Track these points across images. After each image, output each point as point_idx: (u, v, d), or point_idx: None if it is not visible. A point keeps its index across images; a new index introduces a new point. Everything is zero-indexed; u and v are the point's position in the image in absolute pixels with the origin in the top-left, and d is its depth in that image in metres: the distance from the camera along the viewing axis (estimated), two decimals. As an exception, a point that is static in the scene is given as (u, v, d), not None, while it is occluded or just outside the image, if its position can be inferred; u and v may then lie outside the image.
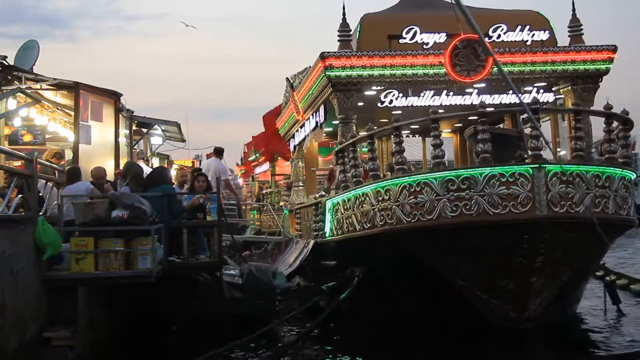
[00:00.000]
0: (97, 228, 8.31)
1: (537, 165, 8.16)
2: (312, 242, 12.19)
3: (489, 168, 8.29)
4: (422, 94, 11.90)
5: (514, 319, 8.75)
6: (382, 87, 11.89)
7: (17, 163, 10.56)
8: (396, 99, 11.82)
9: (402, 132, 9.52)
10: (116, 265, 8.21)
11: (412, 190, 8.72)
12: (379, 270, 9.86)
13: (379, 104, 11.91)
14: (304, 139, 16.02)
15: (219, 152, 15.08)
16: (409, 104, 11.87)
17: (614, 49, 12.05)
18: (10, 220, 7.48)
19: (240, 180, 40.04)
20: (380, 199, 9.20)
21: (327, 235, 11.36)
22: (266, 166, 29.44)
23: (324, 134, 17.18)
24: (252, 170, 33.80)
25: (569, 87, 12.27)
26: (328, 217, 11.23)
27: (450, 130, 17.87)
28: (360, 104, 12.16)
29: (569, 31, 12.54)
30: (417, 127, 17.21)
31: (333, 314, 9.87)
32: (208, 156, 37.75)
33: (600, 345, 9.38)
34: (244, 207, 29.31)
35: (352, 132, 11.36)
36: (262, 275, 10.79)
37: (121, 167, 11.59)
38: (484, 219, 8.28)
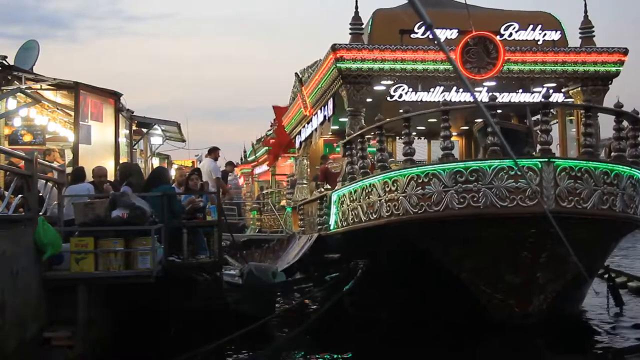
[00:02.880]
0: (97, 228, 8.29)
1: (547, 159, 8.15)
2: (315, 235, 12.19)
3: (498, 161, 8.28)
4: (431, 90, 11.91)
5: (517, 314, 8.74)
6: (392, 82, 11.89)
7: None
8: (406, 93, 11.82)
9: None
10: (116, 265, 8.15)
11: (420, 181, 8.72)
12: (382, 263, 9.85)
13: (388, 98, 11.92)
14: (310, 135, 16.05)
15: (210, 152, 15.41)
16: (419, 99, 11.87)
17: (625, 51, 12.05)
18: (10, 220, 7.41)
19: (241, 180, 40.04)
20: (387, 189, 9.20)
21: (331, 227, 11.36)
22: (266, 166, 29.49)
23: (330, 132, 17.23)
24: (252, 171, 33.83)
25: (579, 89, 12.27)
26: (333, 209, 11.23)
27: (456, 134, 17.88)
28: (369, 100, 12.17)
29: (580, 33, 12.54)
30: (424, 128, 17.23)
31: (335, 306, 9.88)
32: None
33: (603, 342, 9.39)
34: (243, 207, 29.34)
35: (361, 124, 11.38)
36: (262, 275, 10.79)
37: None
38: (491, 211, 8.27)
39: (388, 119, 9.64)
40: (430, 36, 11.66)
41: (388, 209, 9.20)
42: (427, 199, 8.66)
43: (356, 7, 11.82)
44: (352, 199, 10.33)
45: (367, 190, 9.76)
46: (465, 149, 18.01)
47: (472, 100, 11.86)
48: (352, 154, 10.59)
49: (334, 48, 11.41)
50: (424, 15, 3.46)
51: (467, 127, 16.59)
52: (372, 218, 9.58)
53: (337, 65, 11.50)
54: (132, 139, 15.33)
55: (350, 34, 11.82)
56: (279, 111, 22.07)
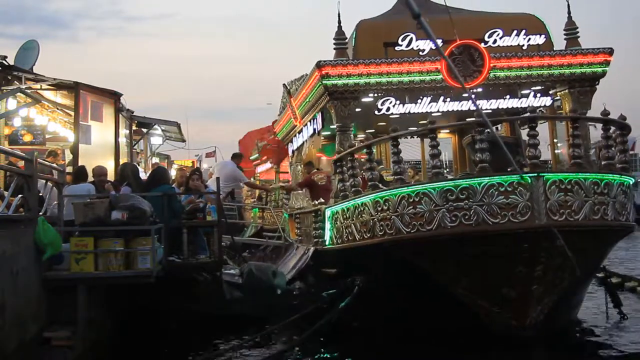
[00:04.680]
0: (97, 228, 8.31)
1: (536, 174, 8.14)
2: (312, 249, 12.18)
3: (488, 178, 8.27)
4: (419, 101, 11.92)
5: (516, 327, 8.75)
6: (379, 95, 11.89)
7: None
8: (393, 106, 11.82)
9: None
10: (116, 265, 8.24)
11: (411, 200, 8.70)
12: (379, 280, 9.85)
13: (376, 112, 11.91)
14: (302, 145, 16.03)
15: (236, 156, 15.39)
16: (406, 111, 11.88)
17: (610, 51, 12.05)
18: (10, 220, 7.46)
19: None
20: (379, 209, 9.19)
21: (327, 243, 11.35)
22: (269, 164, 29.31)
23: (322, 138, 17.20)
24: (253, 171, 33.65)
25: (566, 91, 12.28)
26: (327, 225, 11.21)
27: (448, 131, 17.88)
28: (358, 109, 12.15)
29: (565, 34, 12.54)
30: (416, 129, 17.20)
31: (332, 322, 9.89)
32: (207, 155, 37.39)
33: (600, 348, 9.42)
34: (244, 208, 29.23)
35: (350, 141, 11.38)
36: (262, 274, 10.81)
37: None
38: (483, 228, 8.26)
39: (376, 139, 9.63)
40: (420, 43, 11.65)
41: (381, 228, 9.20)
42: (419, 218, 8.64)
43: (339, 22, 11.81)
44: (345, 216, 10.32)
45: (359, 209, 9.75)
46: (458, 147, 18.00)
47: (459, 109, 11.88)
48: (342, 171, 10.58)
49: (319, 65, 11.40)
50: (412, 5, 3.44)
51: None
52: (366, 237, 9.58)
53: (323, 82, 11.49)
54: (132, 139, 15.33)
55: (334, 49, 11.81)
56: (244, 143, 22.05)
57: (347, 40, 11.96)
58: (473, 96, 11.97)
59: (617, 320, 10.73)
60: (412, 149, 23.63)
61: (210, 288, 10.10)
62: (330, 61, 11.54)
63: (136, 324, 9.11)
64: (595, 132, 12.62)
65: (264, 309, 10.29)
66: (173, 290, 9.36)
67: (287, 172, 26.56)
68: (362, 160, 12.69)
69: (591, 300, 11.81)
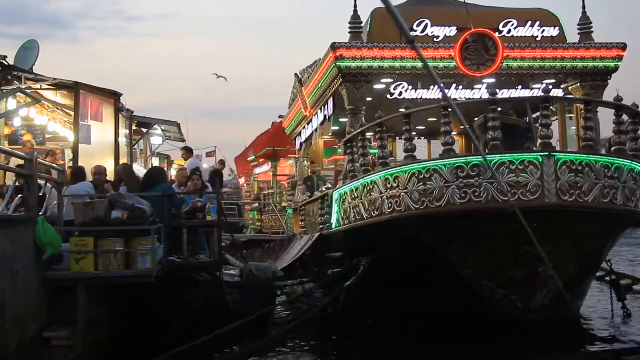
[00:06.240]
0: (97, 228, 8.30)
1: (547, 153, 8.17)
2: (317, 234, 12.21)
3: (499, 155, 8.30)
4: (431, 87, 11.95)
5: (521, 309, 8.73)
6: (392, 80, 11.94)
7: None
8: (406, 91, 11.87)
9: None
10: (116, 265, 8.20)
11: (422, 177, 8.73)
12: (385, 260, 9.85)
13: (388, 96, 11.96)
14: (311, 135, 16.06)
15: (192, 152, 15.41)
16: (419, 97, 11.93)
17: (623, 46, 12.10)
18: (10, 220, 7.43)
19: (242, 180, 39.96)
20: (389, 186, 9.21)
21: (333, 226, 11.37)
22: (267, 166, 29.40)
23: (331, 133, 17.25)
24: (251, 172, 33.81)
25: (578, 85, 12.31)
26: (335, 208, 11.24)
27: (456, 133, 17.89)
28: (369, 99, 12.20)
29: (578, 29, 12.60)
30: (424, 128, 17.27)
31: (335, 303, 9.89)
32: (207, 155, 37.84)
33: (604, 341, 9.39)
34: (244, 208, 29.33)
35: (362, 122, 11.41)
36: (262, 275, 10.81)
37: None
38: (493, 206, 8.27)
39: (389, 116, 9.66)
40: (435, 30, 11.67)
41: (390, 205, 9.21)
42: (429, 195, 8.67)
43: (355, 6, 11.89)
44: (353, 197, 10.34)
45: (368, 188, 9.77)
46: (465, 148, 18.04)
47: (472, 97, 11.91)
48: (353, 152, 10.62)
49: (334, 47, 11.46)
50: (406, 31, 3.53)
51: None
52: (374, 215, 9.59)
53: (337, 63, 11.54)
54: (132, 139, 15.34)
55: (349, 32, 11.88)
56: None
57: (362, 25, 12.02)
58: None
59: (620, 315, 10.71)
60: (419, 149, 23.67)
61: (210, 288, 10.08)
62: (345, 43, 11.60)
63: (136, 324, 9.09)
64: (605, 130, 12.69)
65: (264, 308, 10.28)
66: (173, 290, 9.35)
67: (285, 175, 26.83)
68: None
69: (594, 295, 11.81)
